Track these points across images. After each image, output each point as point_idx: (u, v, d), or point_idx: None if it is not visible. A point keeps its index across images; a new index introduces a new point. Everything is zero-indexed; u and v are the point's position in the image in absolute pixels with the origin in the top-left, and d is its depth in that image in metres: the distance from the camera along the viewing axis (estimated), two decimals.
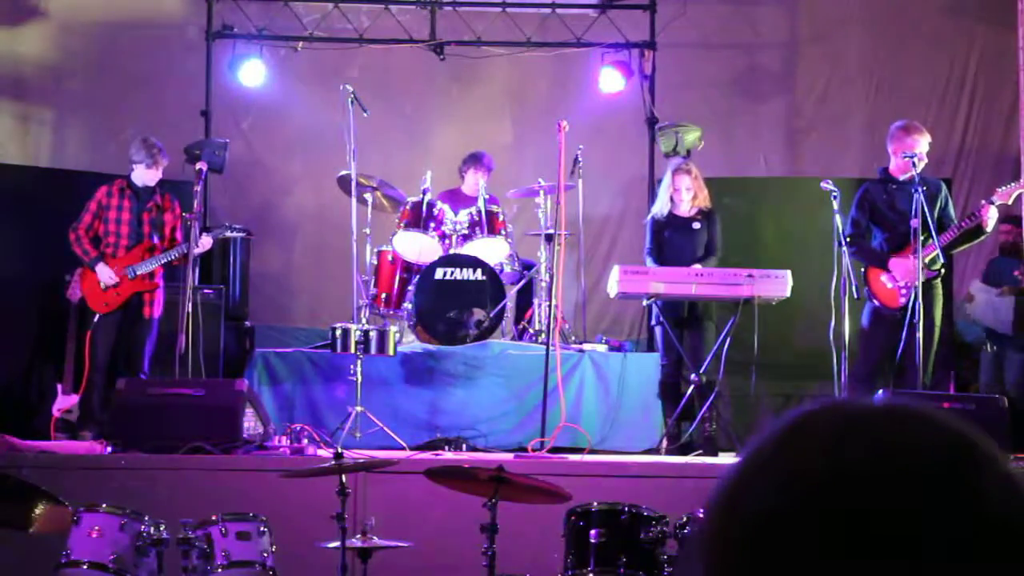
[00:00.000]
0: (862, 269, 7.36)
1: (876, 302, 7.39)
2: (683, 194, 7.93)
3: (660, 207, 8.04)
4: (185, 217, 7.80)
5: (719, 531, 0.94)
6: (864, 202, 7.52)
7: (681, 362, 7.76)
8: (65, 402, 8.04)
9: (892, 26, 10.49)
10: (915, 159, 7.23)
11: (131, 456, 6.57)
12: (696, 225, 7.96)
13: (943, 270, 7.25)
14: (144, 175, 8.00)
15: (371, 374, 7.75)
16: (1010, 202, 7.33)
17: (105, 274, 7.82)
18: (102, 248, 7.92)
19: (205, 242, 7.92)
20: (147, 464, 6.46)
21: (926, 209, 7.07)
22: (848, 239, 7.32)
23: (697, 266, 7.73)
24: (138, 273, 7.87)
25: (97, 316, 7.87)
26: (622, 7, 10.14)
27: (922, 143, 7.38)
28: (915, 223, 7.15)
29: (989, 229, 7.27)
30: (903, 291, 7.31)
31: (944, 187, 7.59)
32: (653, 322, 7.99)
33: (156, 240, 7.99)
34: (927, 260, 7.17)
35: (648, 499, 5.26)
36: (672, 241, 7.96)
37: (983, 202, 7.29)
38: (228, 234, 8.34)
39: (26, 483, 4.50)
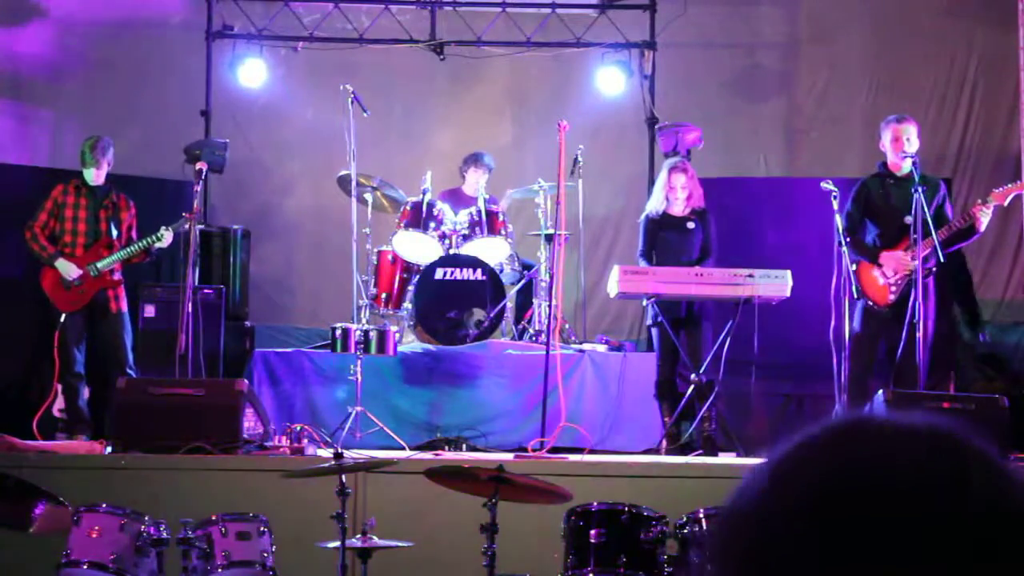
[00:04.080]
0: (853, 267, 7.33)
1: (866, 299, 7.36)
2: (678, 192, 7.91)
3: (655, 206, 8.02)
4: (185, 217, 7.78)
5: (726, 541, 0.95)
6: (860, 195, 7.50)
7: (678, 362, 7.75)
8: (64, 402, 8.04)
9: (892, 26, 10.48)
10: (910, 156, 7.22)
11: (131, 456, 6.56)
12: (691, 225, 7.94)
13: (936, 268, 7.22)
14: (90, 175, 7.99)
15: (371, 374, 7.74)
16: (1006, 203, 7.32)
17: (67, 269, 7.80)
18: (60, 247, 7.90)
19: (167, 237, 7.87)
20: (147, 464, 6.46)
21: (924, 207, 7.04)
22: (846, 236, 7.29)
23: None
24: (100, 269, 7.84)
25: (64, 316, 7.84)
26: (622, 7, 10.14)
27: (912, 131, 7.36)
28: (909, 219, 7.13)
29: (982, 229, 7.24)
30: (893, 288, 7.29)
31: (943, 186, 7.57)
32: (651, 322, 7.98)
33: (114, 237, 7.97)
34: (920, 258, 7.13)
35: (648, 499, 5.27)
36: (667, 241, 7.94)
37: (978, 202, 7.28)
38: (186, 227, 8.26)
39: (26, 483, 4.51)
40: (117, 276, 7.96)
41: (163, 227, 7.84)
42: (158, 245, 7.82)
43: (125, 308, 7.99)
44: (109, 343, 7.92)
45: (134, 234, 8.03)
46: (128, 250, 7.88)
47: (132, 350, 7.98)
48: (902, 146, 7.30)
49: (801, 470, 0.94)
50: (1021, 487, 0.92)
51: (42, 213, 7.94)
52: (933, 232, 7.04)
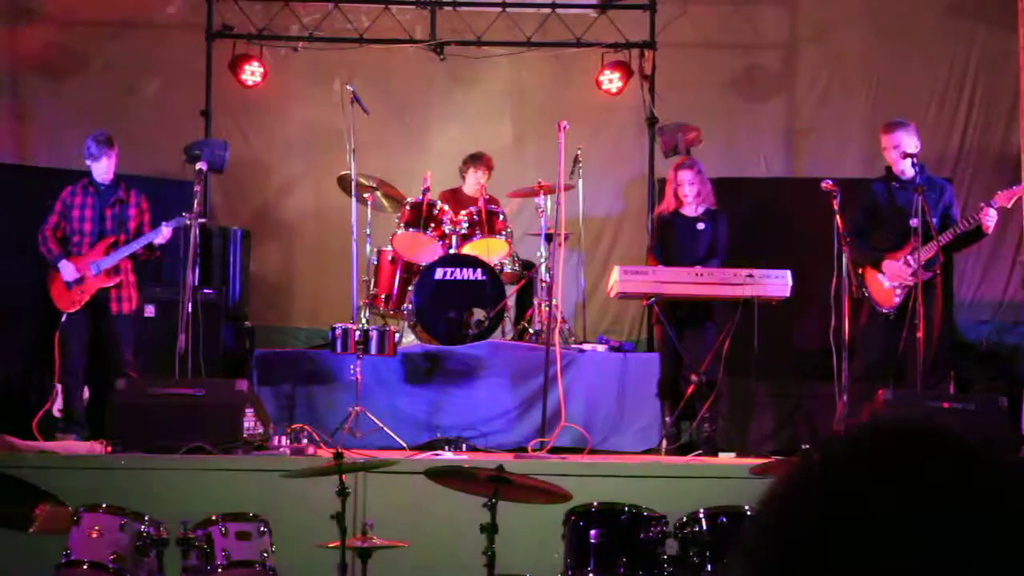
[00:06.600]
0: (859, 269, 7.35)
1: (872, 301, 7.38)
2: (686, 189, 7.89)
3: (665, 204, 8.03)
4: (184, 216, 7.77)
5: (746, 547, 0.96)
6: (867, 200, 7.52)
7: (681, 362, 7.75)
8: (62, 402, 8.03)
9: (892, 26, 10.48)
10: (912, 159, 7.24)
11: (131, 456, 6.56)
12: (701, 225, 7.93)
13: (939, 271, 7.24)
14: (97, 170, 7.97)
15: (371, 374, 7.74)
16: (1009, 205, 7.33)
17: (65, 270, 7.79)
18: (69, 248, 7.89)
19: (165, 233, 7.84)
20: (147, 464, 6.46)
21: (927, 210, 7.06)
22: (847, 236, 7.30)
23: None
24: (102, 268, 7.82)
25: (64, 316, 7.82)
26: (622, 7, 10.13)
27: (904, 138, 7.37)
28: (915, 223, 7.14)
29: (989, 231, 7.27)
30: (898, 291, 7.30)
31: (949, 188, 7.58)
32: (653, 322, 7.98)
33: (121, 235, 7.94)
34: (923, 261, 7.15)
35: (648, 499, 5.26)
36: (677, 240, 7.94)
37: (982, 204, 7.28)
38: (187, 223, 8.23)
39: (26, 483, 4.50)
40: (122, 275, 7.92)
41: (162, 223, 7.82)
42: (157, 240, 7.78)
43: (129, 309, 7.92)
44: (108, 344, 7.90)
45: (145, 229, 7.92)
46: (128, 247, 7.85)
47: (135, 352, 7.93)
48: (903, 151, 7.32)
49: (807, 475, 0.95)
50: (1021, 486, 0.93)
51: (52, 215, 7.94)
52: (937, 235, 7.06)
